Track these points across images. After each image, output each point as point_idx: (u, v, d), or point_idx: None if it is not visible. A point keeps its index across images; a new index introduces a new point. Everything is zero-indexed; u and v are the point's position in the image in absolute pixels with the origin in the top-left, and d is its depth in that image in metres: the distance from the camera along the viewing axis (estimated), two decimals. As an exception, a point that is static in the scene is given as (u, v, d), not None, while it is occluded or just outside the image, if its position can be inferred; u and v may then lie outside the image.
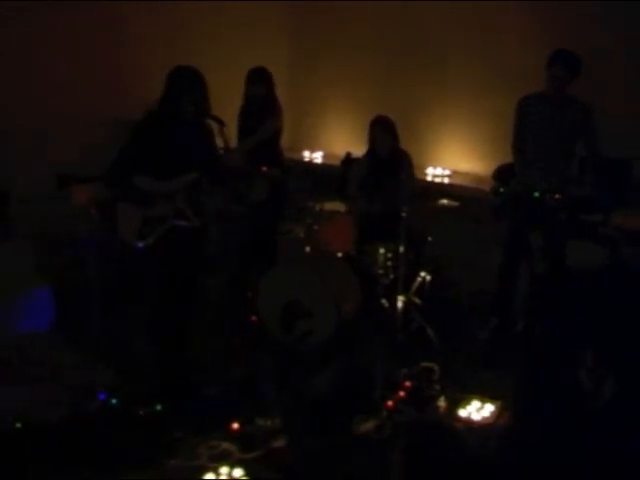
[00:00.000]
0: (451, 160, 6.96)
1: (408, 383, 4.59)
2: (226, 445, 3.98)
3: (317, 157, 7.65)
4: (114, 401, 4.35)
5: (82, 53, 6.34)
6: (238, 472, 3.74)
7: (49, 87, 6.15)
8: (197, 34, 7.03)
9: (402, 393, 4.50)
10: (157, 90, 4.34)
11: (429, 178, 6.81)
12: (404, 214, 5.18)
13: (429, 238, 5.63)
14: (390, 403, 4.37)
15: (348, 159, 6.88)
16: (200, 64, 4.39)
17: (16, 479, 3.72)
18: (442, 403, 4.46)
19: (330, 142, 7.78)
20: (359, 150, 6.04)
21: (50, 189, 6.01)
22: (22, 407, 4.23)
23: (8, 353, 5.03)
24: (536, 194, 5.04)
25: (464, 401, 4.39)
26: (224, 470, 3.75)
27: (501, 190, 5.31)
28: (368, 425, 4.17)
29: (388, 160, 5.69)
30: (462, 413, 4.31)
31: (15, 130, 5.87)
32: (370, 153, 5.80)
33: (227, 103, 5.27)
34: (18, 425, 4.05)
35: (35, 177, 5.90)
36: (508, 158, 5.36)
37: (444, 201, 5.51)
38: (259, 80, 5.84)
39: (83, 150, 6.06)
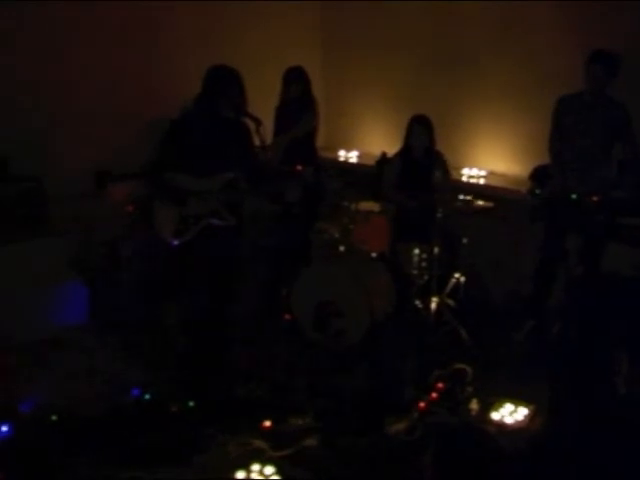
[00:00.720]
0: (487, 161, 6.89)
1: (441, 385, 4.57)
2: (258, 443, 4.00)
3: (352, 156, 7.64)
4: (147, 397, 4.40)
5: (120, 54, 6.41)
6: (269, 470, 3.75)
7: (88, 87, 6.22)
8: (232, 33, 7.04)
9: (434, 394, 4.48)
10: (192, 89, 4.38)
11: (464, 179, 6.76)
12: (439, 214, 5.16)
13: (464, 239, 5.58)
14: (422, 404, 4.35)
15: (383, 159, 6.86)
16: (235, 63, 4.42)
17: (50, 471, 3.76)
18: (474, 406, 4.42)
19: (365, 141, 7.75)
20: (394, 150, 6.01)
21: (88, 186, 6.11)
22: (57, 400, 4.30)
23: (43, 347, 5.12)
24: (573, 196, 4.98)
25: (497, 404, 4.35)
26: (255, 468, 3.76)
27: (537, 192, 5.26)
28: (400, 426, 4.17)
29: (422, 160, 5.67)
30: (495, 416, 4.28)
31: (54, 129, 5.94)
32: (405, 152, 5.78)
33: (262, 102, 5.30)
34: (54, 418, 4.11)
35: (73, 174, 5.97)
36: (545, 159, 5.31)
37: (479, 202, 5.48)
38: (296, 80, 5.86)
39: (120, 148, 6.11)
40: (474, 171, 6.80)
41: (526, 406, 4.33)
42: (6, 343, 4.99)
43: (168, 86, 6.48)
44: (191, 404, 4.26)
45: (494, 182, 6.65)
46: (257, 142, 4.52)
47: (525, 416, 4.28)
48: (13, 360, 4.94)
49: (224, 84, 4.30)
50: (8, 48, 5.75)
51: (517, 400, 4.37)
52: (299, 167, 4.81)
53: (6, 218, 5.28)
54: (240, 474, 3.73)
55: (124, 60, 6.44)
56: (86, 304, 5.54)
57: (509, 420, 4.25)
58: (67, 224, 5.74)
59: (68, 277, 5.51)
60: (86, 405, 4.30)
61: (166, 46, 6.69)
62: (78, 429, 4.05)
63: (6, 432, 3.99)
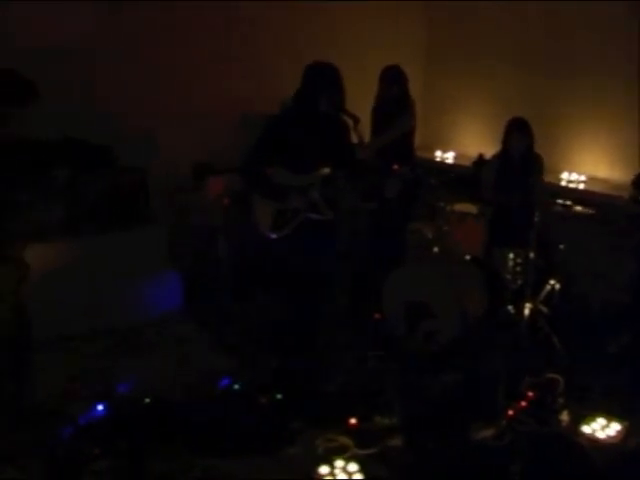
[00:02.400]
0: (587, 166, 6.71)
1: (531, 393, 4.47)
2: (343, 440, 4.02)
3: (449, 157, 7.57)
4: (237, 387, 4.47)
5: (221, 52, 6.56)
6: (353, 467, 3.77)
7: (189, 84, 6.40)
8: (332, 31, 7.08)
9: (524, 403, 4.39)
10: (291, 87, 4.42)
11: (563, 183, 6.60)
12: (536, 219, 5.05)
13: (561, 245, 5.45)
14: (511, 412, 4.28)
15: (480, 160, 6.77)
16: (335, 60, 4.42)
17: (138, 451, 3.87)
18: (565, 417, 4.32)
19: (462, 142, 7.67)
20: (491, 151, 5.93)
21: (186, 179, 6.27)
22: (151, 384, 4.43)
23: (139, 333, 5.29)
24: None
25: (589, 417, 4.24)
26: (339, 464, 3.78)
27: (640, 198, 5.09)
28: (487, 432, 4.11)
29: (521, 162, 5.56)
30: (586, 429, 4.17)
31: (157, 123, 6.12)
32: (503, 155, 5.68)
33: (361, 100, 5.31)
34: (147, 400, 4.24)
35: (173, 167, 6.14)
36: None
37: (579, 208, 5.34)
38: (394, 80, 5.82)
39: (218, 144, 6.25)
40: (574, 176, 6.64)
41: (619, 422, 4.21)
42: (105, 327, 5.20)
43: (267, 83, 6.59)
44: (279, 397, 4.30)
45: (595, 187, 6.47)
46: (355, 139, 4.53)
47: (618, 432, 4.15)
48: (111, 344, 5.13)
49: (323, 81, 4.31)
50: (118, 47, 5.98)
51: (610, 415, 4.25)
52: (396, 166, 4.80)
53: (110, 207, 5.47)
54: (324, 469, 3.75)
55: (224, 58, 6.58)
56: (181, 292, 5.70)
57: (601, 435, 4.13)
58: (166, 215, 5.90)
59: (165, 266, 5.67)
60: (177, 391, 4.41)
61: (266, 44, 6.80)
62: (168, 414, 4.16)
63: (102, 411, 4.15)
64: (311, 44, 6.62)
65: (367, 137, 5.35)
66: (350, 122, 4.42)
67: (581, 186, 6.52)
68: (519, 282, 5.31)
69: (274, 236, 4.33)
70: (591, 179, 6.60)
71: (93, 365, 4.80)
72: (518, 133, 5.53)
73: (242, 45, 6.72)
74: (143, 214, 5.65)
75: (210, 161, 6.19)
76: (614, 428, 4.17)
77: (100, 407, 4.15)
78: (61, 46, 5.60)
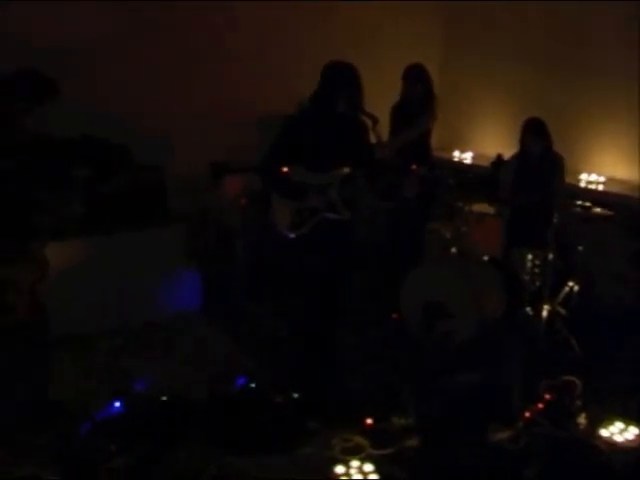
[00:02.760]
0: (607, 166, 6.67)
1: (548, 396, 4.44)
2: (359, 440, 4.01)
3: (466, 157, 7.54)
4: (253, 386, 4.47)
5: (238, 51, 6.58)
6: (368, 467, 3.77)
7: (207, 84, 6.43)
8: (348, 32, 7.07)
9: (541, 405, 4.36)
10: (308, 86, 4.41)
11: (582, 184, 6.56)
12: (555, 220, 5.02)
13: (579, 247, 5.41)
14: (528, 414, 4.25)
15: (499, 160, 6.74)
16: (353, 60, 4.40)
17: (154, 448, 3.88)
18: (582, 420, 4.27)
19: (480, 143, 7.64)
20: (509, 152, 5.90)
21: (204, 178, 6.29)
22: (168, 382, 4.45)
23: (157, 331, 5.31)
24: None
25: (606, 421, 4.21)
26: (355, 464, 3.78)
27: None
28: (503, 434, 4.08)
29: (539, 163, 5.53)
30: (604, 433, 4.14)
31: (177, 126, 6.15)
32: (520, 155, 5.66)
33: (379, 99, 5.29)
34: (164, 398, 4.25)
35: (191, 166, 6.16)
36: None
37: (598, 209, 5.31)
38: (418, 79, 5.80)
39: (236, 143, 6.26)
40: (593, 177, 6.59)
41: (637, 425, 4.17)
42: (123, 325, 5.22)
43: (285, 83, 6.59)
44: (295, 396, 4.30)
45: (614, 189, 6.42)
46: (373, 139, 4.52)
47: (636, 435, 4.12)
48: (128, 342, 5.16)
49: (341, 80, 4.29)
50: (135, 47, 6.02)
51: (628, 419, 4.21)
52: (414, 166, 4.79)
53: (128, 205, 5.49)
54: (339, 469, 3.75)
55: (242, 58, 6.61)
56: (199, 291, 5.71)
57: (619, 438, 4.10)
58: (184, 213, 5.92)
59: (183, 264, 5.69)
60: (194, 389, 4.42)
61: (284, 44, 6.80)
62: (184, 412, 4.17)
63: (119, 408, 4.17)
64: (328, 44, 6.61)
65: (385, 137, 5.34)
66: (369, 122, 4.41)
67: (600, 187, 6.48)
68: (537, 283, 5.29)
69: (292, 235, 4.33)
70: (610, 180, 6.55)
71: (110, 362, 4.84)
72: (533, 134, 5.51)
73: (259, 45, 6.73)
74: (161, 213, 5.67)
75: (228, 161, 6.21)
76: (632, 432, 4.14)
77: (117, 404, 4.17)
78: (78, 46, 5.65)
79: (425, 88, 5.84)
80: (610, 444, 4.07)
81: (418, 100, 5.84)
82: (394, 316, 5.37)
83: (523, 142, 5.60)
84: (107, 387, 4.43)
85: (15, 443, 3.87)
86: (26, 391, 4.05)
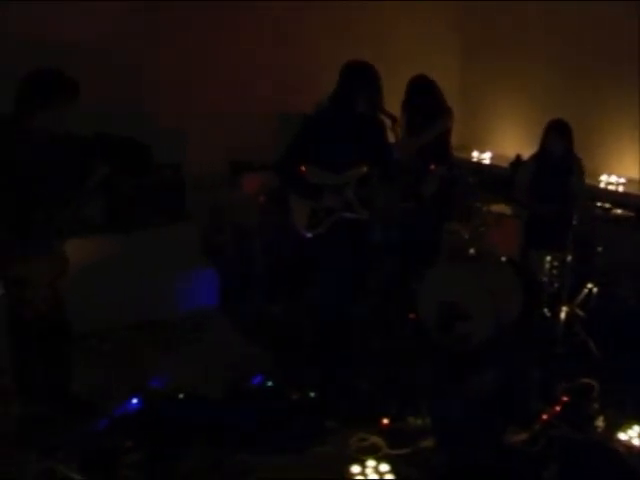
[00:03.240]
0: (627, 168, 6.63)
1: (566, 398, 4.42)
2: (375, 439, 4.02)
3: (485, 158, 7.52)
4: (270, 384, 4.49)
5: (258, 51, 6.61)
6: (384, 467, 3.77)
7: (226, 82, 6.46)
8: (368, 30, 7.09)
9: (558, 408, 4.34)
10: (325, 87, 4.42)
11: (602, 185, 6.52)
12: (575, 222, 4.99)
13: (599, 248, 5.38)
14: (545, 416, 4.23)
15: (518, 161, 6.71)
16: (372, 60, 4.41)
17: (171, 445, 3.91)
18: (600, 423, 4.25)
19: (499, 143, 7.62)
20: (528, 152, 5.87)
21: (223, 177, 6.31)
22: (185, 379, 4.47)
23: (175, 328, 5.34)
24: None
25: (625, 424, 4.18)
26: (370, 463, 3.78)
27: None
28: (520, 436, 4.07)
29: (558, 164, 5.49)
30: (622, 436, 4.11)
31: (195, 124, 6.18)
32: (540, 156, 5.62)
33: (396, 100, 5.30)
34: (181, 396, 4.27)
35: (210, 164, 6.19)
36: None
37: (618, 211, 5.27)
38: (421, 91, 5.70)
39: (255, 141, 6.28)
40: (613, 178, 6.56)
41: (656, 430, 4.14)
42: (140, 322, 5.25)
43: (304, 82, 6.61)
44: (312, 395, 4.31)
45: (634, 190, 6.38)
46: (392, 139, 4.52)
47: (655, 439, 4.09)
48: (146, 339, 5.19)
49: (360, 80, 4.30)
50: (154, 47, 6.06)
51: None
52: (433, 166, 4.79)
53: (147, 203, 5.52)
54: (355, 468, 3.76)
55: (261, 58, 6.64)
56: (217, 290, 5.73)
57: (637, 442, 4.07)
58: (202, 211, 5.94)
59: (201, 262, 5.71)
60: (211, 387, 4.44)
61: (303, 43, 6.81)
62: (200, 409, 4.19)
63: (136, 404, 4.19)
64: (347, 45, 6.60)
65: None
66: (387, 122, 4.40)
67: (620, 188, 6.44)
68: (556, 285, 5.26)
69: (309, 235, 4.33)
70: (630, 181, 6.51)
71: (128, 359, 4.86)
72: (556, 134, 5.46)
73: (278, 45, 6.75)
74: (179, 211, 5.70)
75: (248, 159, 6.23)
76: (651, 435, 4.11)
77: (135, 401, 4.20)
78: (97, 44, 5.69)
79: (431, 100, 5.70)
80: (628, 447, 4.04)
81: (424, 113, 5.72)
82: (411, 316, 5.36)
83: (544, 142, 5.55)
84: (125, 384, 4.45)
85: (33, 438, 3.90)
86: (46, 387, 4.08)
